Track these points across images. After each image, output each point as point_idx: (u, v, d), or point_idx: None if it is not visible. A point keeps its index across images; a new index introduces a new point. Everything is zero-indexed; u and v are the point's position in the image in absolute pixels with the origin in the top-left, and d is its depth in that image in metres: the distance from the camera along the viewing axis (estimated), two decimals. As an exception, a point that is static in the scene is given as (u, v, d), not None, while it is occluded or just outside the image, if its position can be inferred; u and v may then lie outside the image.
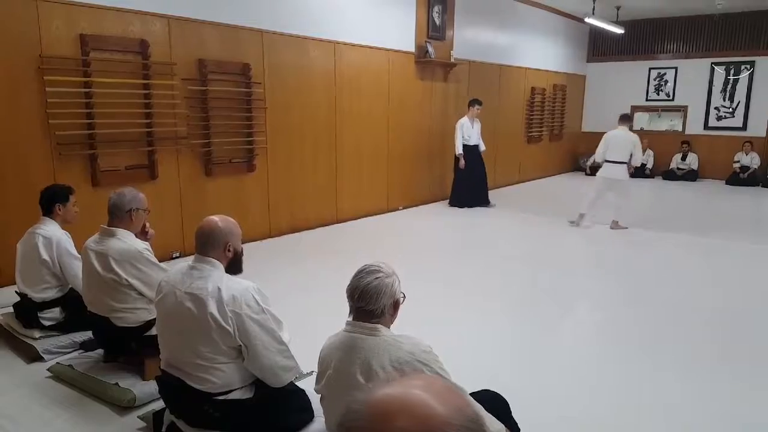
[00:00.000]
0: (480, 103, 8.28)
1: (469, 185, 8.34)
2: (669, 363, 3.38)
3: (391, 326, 1.89)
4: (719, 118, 11.72)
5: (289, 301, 3.95)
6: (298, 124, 6.48)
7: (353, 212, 7.40)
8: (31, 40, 4.31)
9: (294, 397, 2.42)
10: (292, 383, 2.38)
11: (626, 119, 7.12)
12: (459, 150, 8.13)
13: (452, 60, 8.51)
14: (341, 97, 6.96)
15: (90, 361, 3.12)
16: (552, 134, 11.98)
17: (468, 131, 8.19)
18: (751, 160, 11.15)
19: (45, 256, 3.31)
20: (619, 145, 6.87)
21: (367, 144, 7.50)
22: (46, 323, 3.37)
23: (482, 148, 8.40)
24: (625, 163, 6.90)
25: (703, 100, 11.79)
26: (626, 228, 6.96)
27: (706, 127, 11.84)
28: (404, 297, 1.90)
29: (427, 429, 0.65)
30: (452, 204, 8.50)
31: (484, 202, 8.51)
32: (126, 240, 2.89)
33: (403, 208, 8.22)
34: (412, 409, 0.67)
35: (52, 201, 3.41)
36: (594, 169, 12.09)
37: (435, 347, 1.83)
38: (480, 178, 8.48)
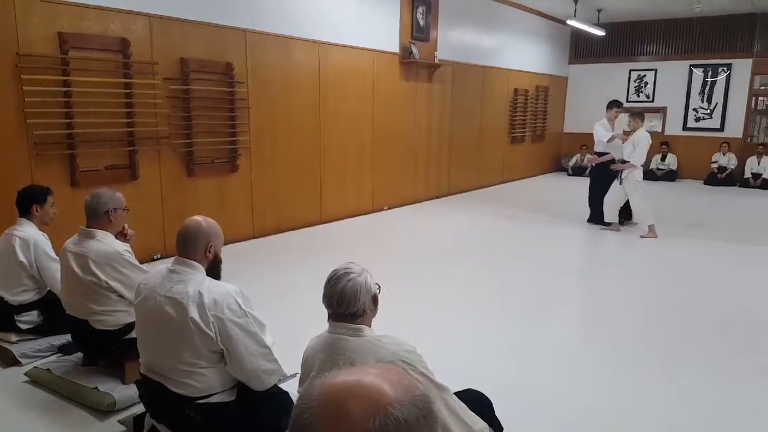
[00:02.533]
0: (619, 105, 7.28)
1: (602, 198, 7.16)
2: (656, 362, 3.42)
3: (373, 323, 1.89)
4: (697, 120, 11.91)
5: (272, 302, 3.93)
6: (282, 124, 6.44)
7: (338, 212, 7.38)
8: (8, 38, 4.23)
9: (278, 399, 2.40)
10: (275, 385, 2.36)
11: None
12: (607, 138, 7.03)
13: (436, 61, 8.53)
14: (326, 96, 6.94)
15: (68, 364, 3.07)
16: (535, 135, 12.08)
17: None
18: (728, 160, 11.35)
19: (22, 258, 3.25)
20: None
21: (352, 144, 7.48)
22: (23, 327, 3.31)
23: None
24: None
25: (682, 102, 11.98)
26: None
27: (684, 128, 12.03)
28: (379, 288, 1.89)
29: (376, 409, 0.69)
30: (594, 221, 7.27)
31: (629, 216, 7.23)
32: (105, 241, 2.84)
33: (389, 208, 8.22)
34: (363, 391, 0.71)
35: (29, 202, 3.35)
36: (578, 170, 12.27)
37: (420, 347, 1.82)
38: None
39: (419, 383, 0.77)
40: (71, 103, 4.57)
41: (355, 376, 0.74)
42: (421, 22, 8.26)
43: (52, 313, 3.29)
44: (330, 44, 6.88)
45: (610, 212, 6.95)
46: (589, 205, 7.45)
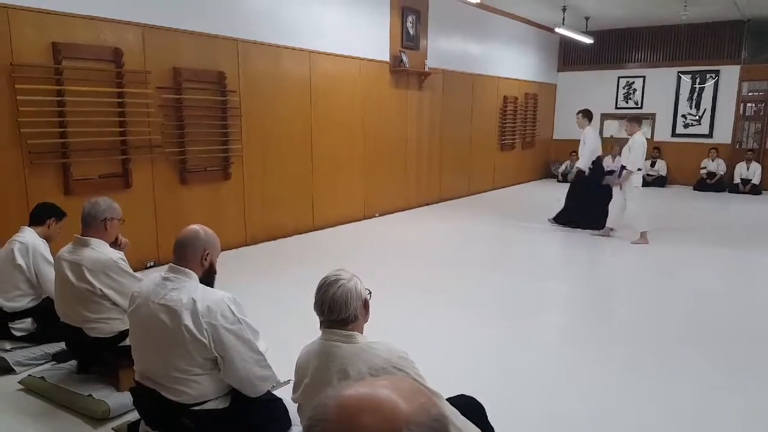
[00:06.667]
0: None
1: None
2: (642, 365, 3.46)
3: (365, 328, 1.92)
4: (686, 126, 12.05)
5: (265, 309, 3.95)
6: (273, 132, 6.48)
7: (330, 219, 7.41)
8: (2, 48, 4.25)
9: (271, 406, 2.43)
10: (269, 392, 2.39)
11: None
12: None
13: (426, 69, 8.61)
14: (317, 104, 6.99)
15: (63, 372, 3.08)
16: (524, 142, 12.17)
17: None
18: (717, 166, 11.48)
19: (20, 261, 3.29)
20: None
21: (344, 151, 7.53)
22: (17, 334, 3.33)
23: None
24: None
25: (671, 108, 12.11)
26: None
27: (673, 134, 12.16)
28: (370, 293, 1.93)
29: (391, 426, 0.67)
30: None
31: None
32: (100, 249, 2.87)
33: (380, 215, 8.26)
34: (378, 407, 0.69)
35: (49, 214, 3.46)
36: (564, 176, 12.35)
37: (411, 352, 1.86)
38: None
39: (434, 399, 0.75)
40: (65, 113, 4.59)
41: (370, 389, 0.73)
42: (411, 31, 8.34)
43: (46, 321, 3.30)
44: (321, 53, 6.93)
45: (612, 218, 7.01)
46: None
